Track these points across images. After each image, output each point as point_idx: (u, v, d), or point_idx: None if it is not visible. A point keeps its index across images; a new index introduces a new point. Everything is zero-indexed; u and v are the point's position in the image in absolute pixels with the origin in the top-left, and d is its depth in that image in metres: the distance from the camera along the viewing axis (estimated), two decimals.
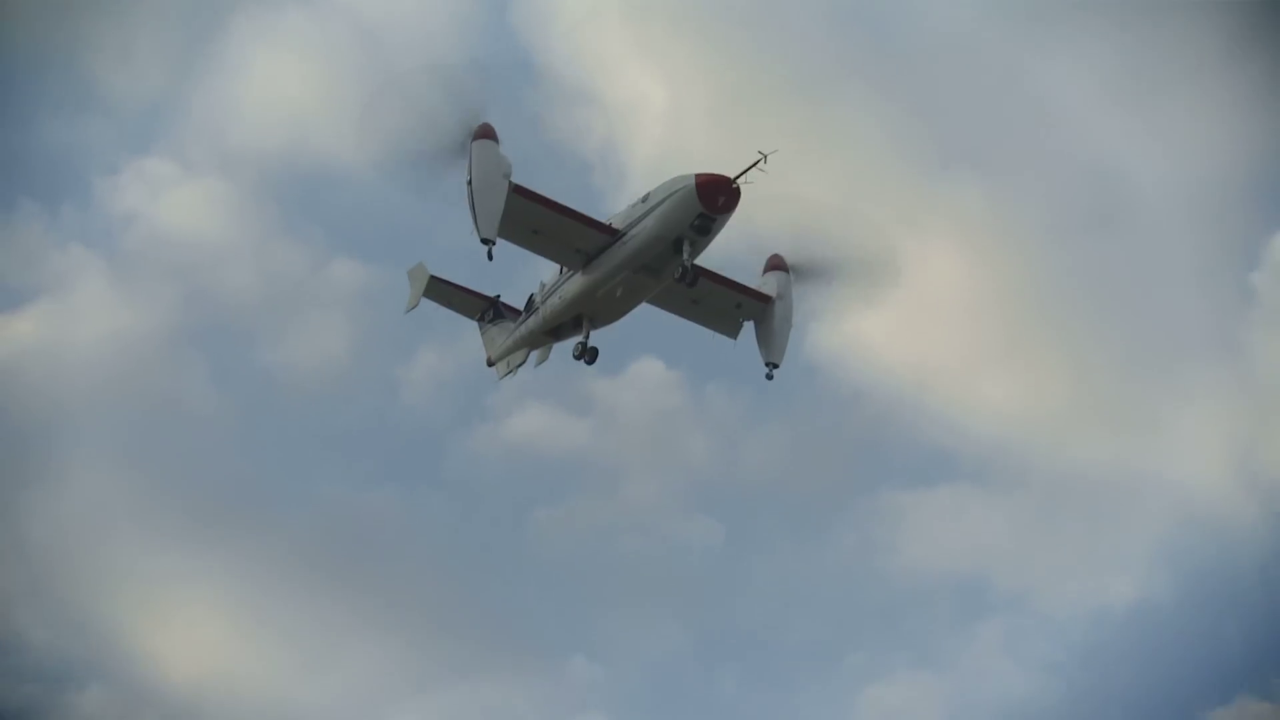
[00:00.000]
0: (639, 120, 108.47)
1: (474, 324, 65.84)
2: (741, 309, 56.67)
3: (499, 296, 65.17)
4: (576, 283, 52.10)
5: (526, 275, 60.48)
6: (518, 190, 45.53)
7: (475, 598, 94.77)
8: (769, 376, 54.02)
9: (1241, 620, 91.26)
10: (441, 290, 64.45)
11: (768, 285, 57.28)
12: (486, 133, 43.97)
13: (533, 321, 59.28)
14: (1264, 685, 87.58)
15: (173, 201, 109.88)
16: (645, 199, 46.31)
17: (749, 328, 57.73)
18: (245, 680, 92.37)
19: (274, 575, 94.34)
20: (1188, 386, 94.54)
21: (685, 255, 44.91)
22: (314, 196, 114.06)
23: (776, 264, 56.38)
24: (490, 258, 42.25)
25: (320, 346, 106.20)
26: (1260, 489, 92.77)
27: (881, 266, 54.75)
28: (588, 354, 52.95)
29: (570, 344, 58.27)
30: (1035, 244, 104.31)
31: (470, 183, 43.00)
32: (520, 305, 63.02)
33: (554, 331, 58.56)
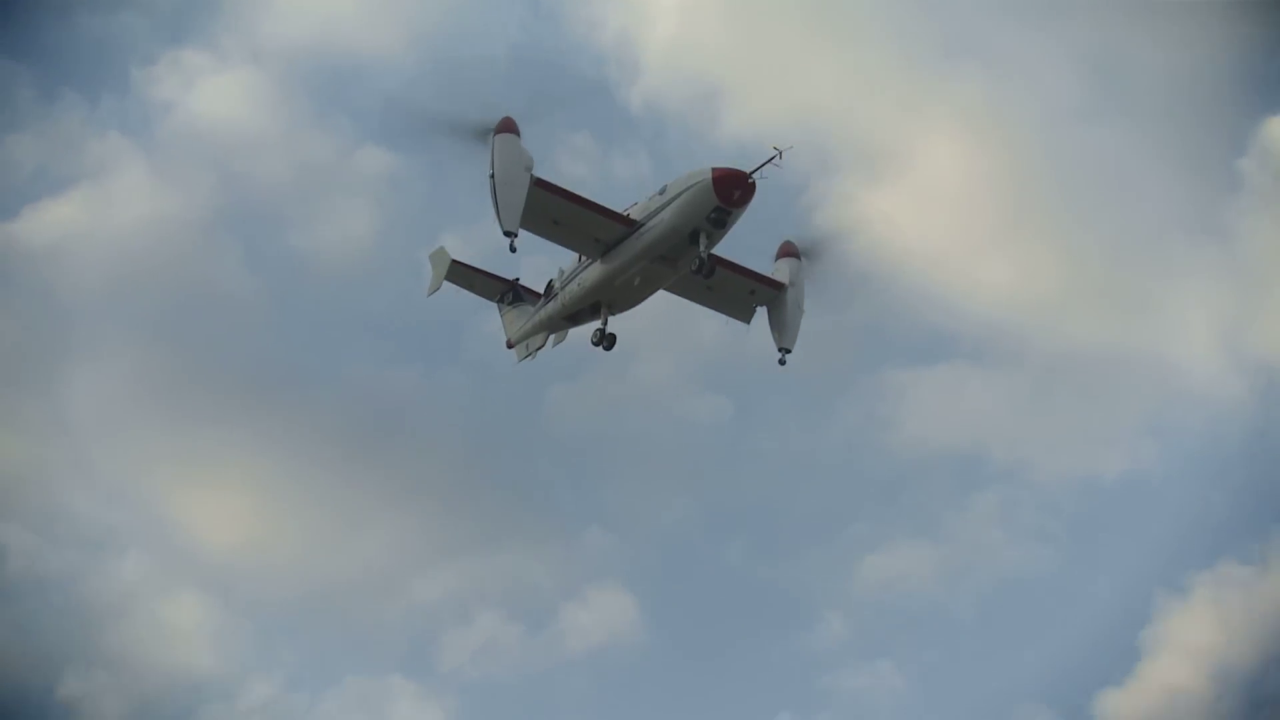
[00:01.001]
0: (652, 12, 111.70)
1: (494, 305, 66.99)
2: (755, 295, 57.96)
3: (518, 279, 66.19)
4: (595, 271, 52.96)
5: (546, 260, 61.90)
6: (539, 183, 46.59)
7: (494, 472, 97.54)
8: (781, 362, 55.17)
9: (1224, 490, 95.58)
10: (462, 274, 65.58)
11: (780, 272, 58.46)
12: (508, 126, 44.96)
13: (552, 307, 60.37)
14: (1244, 550, 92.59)
15: (207, 91, 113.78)
16: (663, 191, 47.15)
17: (761, 312, 59.04)
18: (276, 548, 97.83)
19: (304, 450, 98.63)
20: (1178, 269, 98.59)
21: (702, 247, 45.83)
22: (343, 86, 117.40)
23: (789, 251, 57.66)
24: (513, 250, 43.32)
25: (348, 231, 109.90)
26: (1245, 366, 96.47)
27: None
28: (606, 340, 53.82)
29: (588, 329, 59.59)
30: (1032, 132, 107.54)
31: (493, 176, 44.04)
32: (539, 288, 64.28)
33: (572, 317, 59.68)
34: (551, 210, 48.26)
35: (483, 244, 66.83)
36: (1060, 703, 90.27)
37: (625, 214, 50.30)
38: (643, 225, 48.71)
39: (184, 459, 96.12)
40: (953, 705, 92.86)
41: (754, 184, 45.49)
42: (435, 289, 62.29)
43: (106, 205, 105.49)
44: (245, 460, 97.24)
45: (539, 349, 63.62)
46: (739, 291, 57.49)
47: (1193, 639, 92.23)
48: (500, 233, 45.08)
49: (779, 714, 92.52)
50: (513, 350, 65.36)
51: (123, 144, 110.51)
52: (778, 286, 57.14)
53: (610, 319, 56.73)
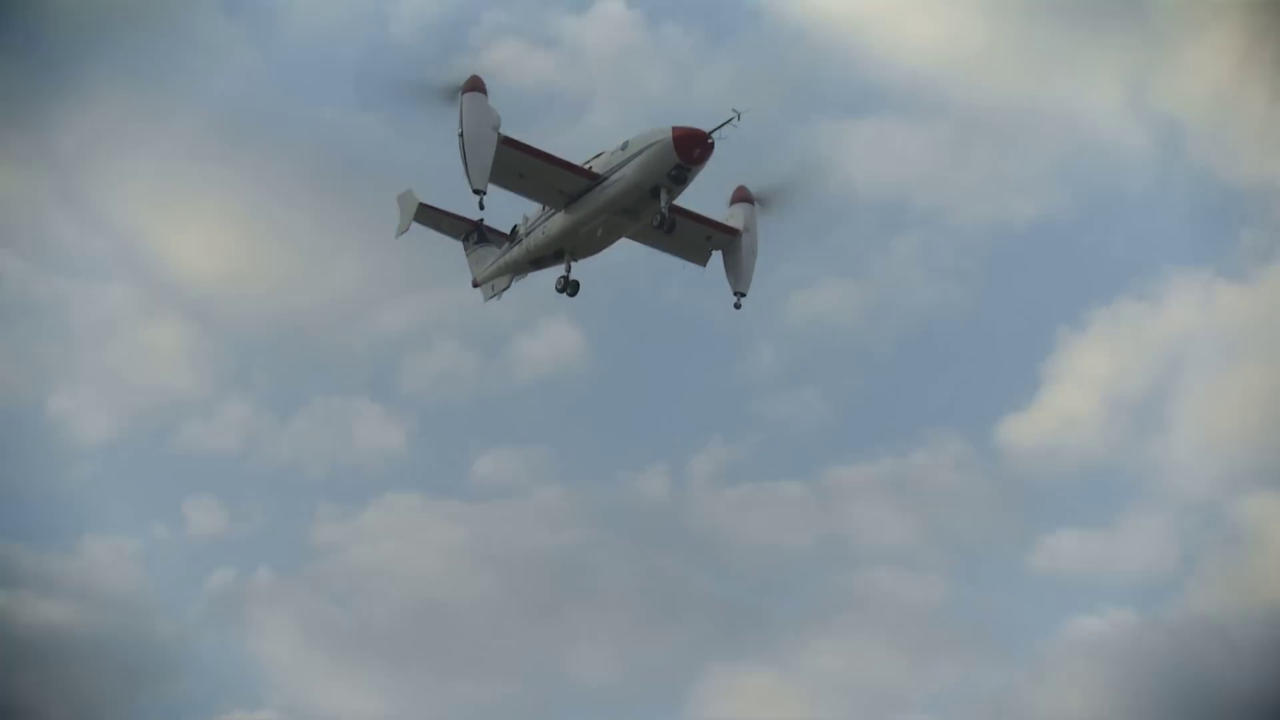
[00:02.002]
0: None
1: (459, 244, 68.96)
2: (711, 241, 60.02)
3: (483, 220, 67.88)
4: (559, 221, 54.24)
5: (510, 205, 64.01)
6: (506, 142, 47.81)
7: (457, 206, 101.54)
8: (737, 306, 56.68)
9: (1125, 233, 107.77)
10: (429, 215, 67.36)
11: (734, 217, 60.40)
12: (476, 85, 46.18)
13: (517, 252, 62.22)
14: (1139, 288, 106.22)
15: None
16: (624, 147, 48.44)
17: (717, 256, 61.13)
18: (253, 279, 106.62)
19: (278, 188, 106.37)
20: (1090, 29, 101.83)
21: (663, 202, 46.88)
22: None
23: (742, 196, 59.37)
24: (481, 207, 44.55)
25: None
26: (1150, 119, 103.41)
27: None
28: (569, 287, 54.79)
29: (552, 273, 61.63)
30: None
31: (461, 135, 44.88)
32: (504, 228, 66.30)
33: (537, 261, 61.65)
34: (518, 165, 49.72)
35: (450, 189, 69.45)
36: (967, 426, 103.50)
37: (588, 167, 51.74)
38: (605, 179, 50.07)
39: (167, 194, 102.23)
40: (871, 429, 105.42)
41: (713, 143, 46.85)
42: (404, 230, 63.56)
43: None
44: (224, 197, 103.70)
45: (505, 290, 65.47)
46: (695, 238, 59.48)
47: (1089, 369, 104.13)
48: (469, 189, 46.79)
49: (713, 436, 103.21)
50: (479, 289, 67.31)
51: None
52: (733, 233, 58.97)
53: (573, 265, 58.54)
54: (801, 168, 60.36)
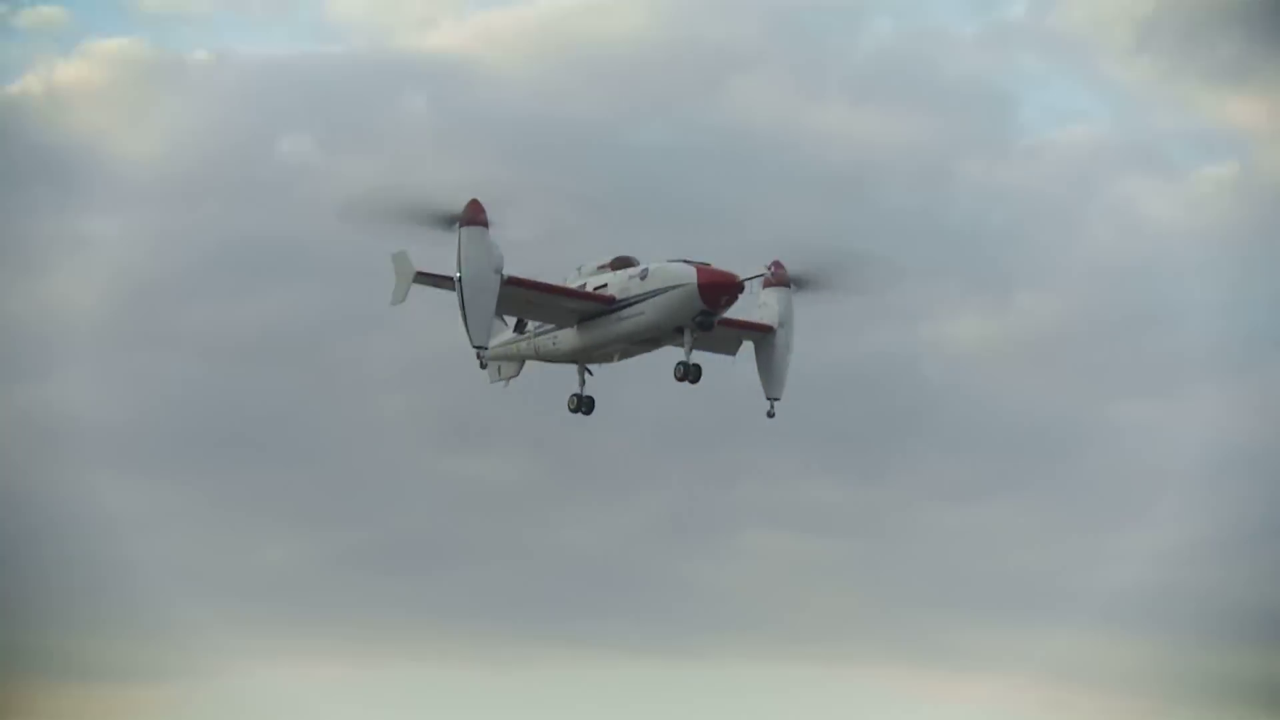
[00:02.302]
0: None
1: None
2: (741, 334, 53.79)
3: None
4: (570, 337, 47.60)
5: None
6: (511, 281, 41.53)
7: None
8: (770, 414, 49.87)
9: None
10: (426, 278, 60.61)
11: (768, 307, 53.24)
12: (476, 217, 39.16)
13: (525, 348, 55.58)
14: None
15: None
16: (644, 276, 42.27)
17: (748, 345, 54.70)
18: None
19: None
20: None
21: (686, 348, 40.15)
22: None
23: (779, 279, 51.76)
24: (483, 365, 37.79)
25: None
26: None
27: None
28: (584, 405, 47.67)
29: (566, 371, 55.49)
30: None
31: (460, 280, 38.57)
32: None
33: (548, 358, 55.50)
34: (524, 296, 43.88)
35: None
36: None
37: (602, 292, 45.18)
38: (621, 307, 43.86)
39: None
40: None
41: (743, 285, 41.26)
42: (401, 299, 56.32)
43: None
44: None
45: (512, 377, 59.04)
46: (726, 335, 53.37)
47: None
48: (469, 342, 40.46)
49: None
50: (484, 368, 60.78)
51: None
52: (766, 329, 52.36)
53: (588, 379, 51.95)
54: (844, 246, 53.63)
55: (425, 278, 58.09)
